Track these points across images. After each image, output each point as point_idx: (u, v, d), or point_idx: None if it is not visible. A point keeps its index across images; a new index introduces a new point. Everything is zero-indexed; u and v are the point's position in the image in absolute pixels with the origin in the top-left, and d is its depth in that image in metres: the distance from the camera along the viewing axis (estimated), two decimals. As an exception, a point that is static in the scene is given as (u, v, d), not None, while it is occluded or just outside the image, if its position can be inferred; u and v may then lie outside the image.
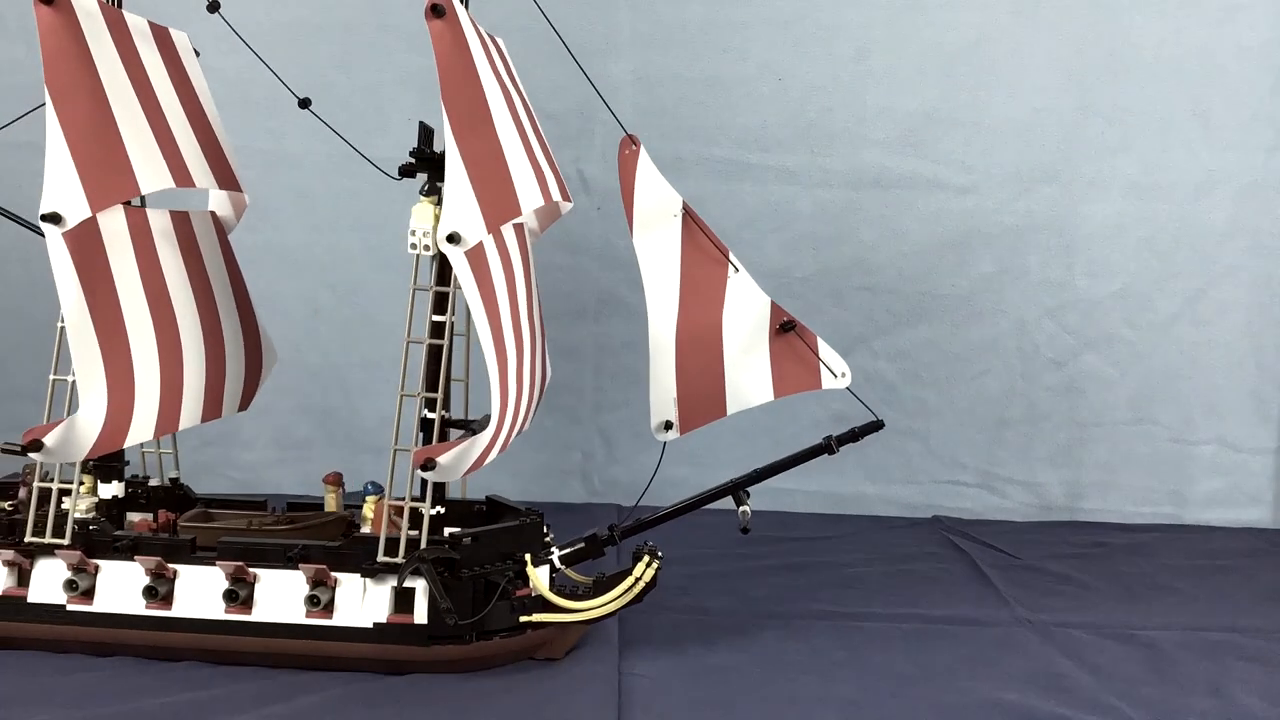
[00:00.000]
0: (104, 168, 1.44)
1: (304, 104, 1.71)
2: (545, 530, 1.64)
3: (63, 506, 1.59)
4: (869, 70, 2.44)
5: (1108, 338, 2.48)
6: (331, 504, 1.80)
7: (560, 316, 2.36)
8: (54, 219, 1.41)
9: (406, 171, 1.63)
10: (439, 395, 1.59)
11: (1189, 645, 1.73)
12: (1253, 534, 2.45)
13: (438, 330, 1.59)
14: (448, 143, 1.46)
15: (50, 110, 1.43)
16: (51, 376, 1.60)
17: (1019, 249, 2.48)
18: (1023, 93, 2.45)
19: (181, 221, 1.65)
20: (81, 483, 1.67)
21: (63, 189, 1.42)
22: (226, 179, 1.64)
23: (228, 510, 1.81)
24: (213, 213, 1.77)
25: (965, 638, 1.73)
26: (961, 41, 2.44)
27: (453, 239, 1.44)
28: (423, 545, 1.54)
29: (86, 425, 1.46)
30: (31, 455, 1.47)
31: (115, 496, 1.73)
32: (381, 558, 1.54)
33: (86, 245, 1.47)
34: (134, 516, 1.77)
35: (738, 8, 2.42)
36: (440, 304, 1.58)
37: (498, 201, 1.47)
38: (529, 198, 1.52)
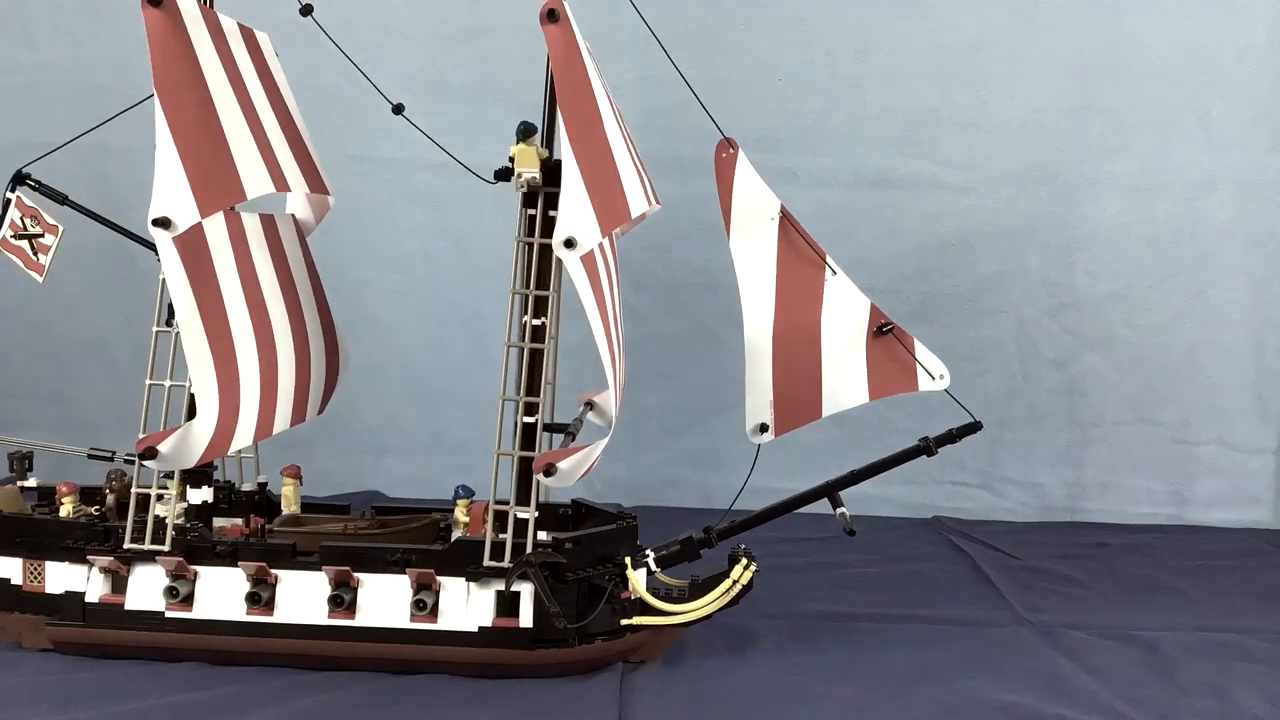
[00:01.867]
0: (211, 172, 1.44)
1: (397, 110, 1.69)
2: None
3: (158, 512, 1.56)
4: (869, 70, 2.44)
5: (1108, 338, 2.48)
6: (290, 496, 1.78)
7: (560, 316, 2.36)
8: (164, 224, 1.40)
9: (501, 175, 1.62)
10: (539, 399, 1.57)
11: (1189, 646, 1.73)
12: (1253, 534, 2.45)
13: (537, 334, 1.57)
14: (563, 147, 1.46)
15: (159, 114, 1.42)
16: (148, 381, 1.57)
17: (1019, 249, 2.48)
18: (1023, 93, 2.45)
19: (269, 225, 1.66)
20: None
21: (172, 194, 1.40)
22: (315, 182, 1.64)
23: (314, 515, 1.78)
24: (292, 215, 1.77)
25: (965, 638, 1.73)
26: (961, 41, 2.44)
27: (570, 244, 1.43)
28: (528, 549, 1.53)
29: (200, 432, 1.47)
30: (146, 463, 1.47)
31: (205, 502, 1.70)
32: (488, 562, 1.53)
33: (193, 250, 1.47)
34: (221, 522, 1.75)
35: (738, 8, 2.42)
36: (540, 307, 1.57)
37: (609, 206, 1.47)
38: (637, 202, 1.52)
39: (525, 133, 1.52)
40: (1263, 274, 2.48)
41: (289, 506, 1.78)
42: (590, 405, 1.80)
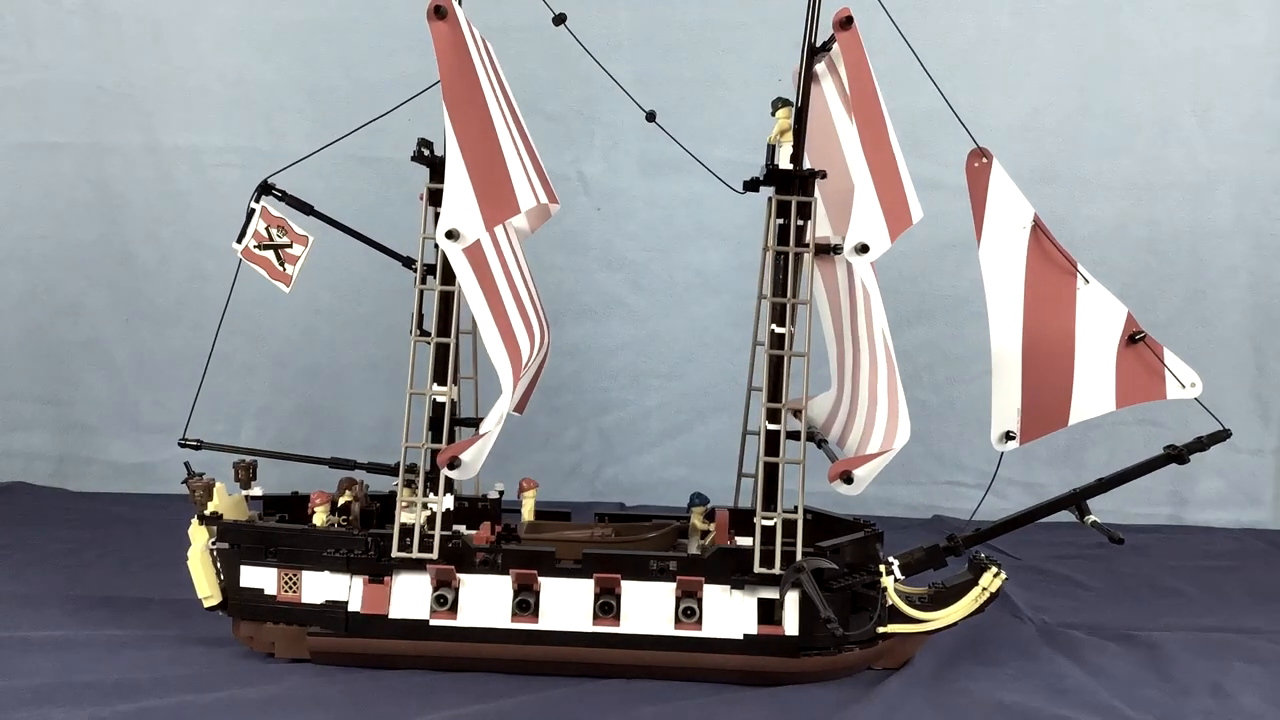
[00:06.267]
0: (493, 185, 1.46)
1: (650, 117, 1.69)
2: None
3: (404, 520, 1.55)
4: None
5: (1108, 338, 2.48)
6: (530, 508, 1.75)
7: (560, 316, 2.36)
8: (453, 236, 1.43)
9: (751, 186, 1.64)
10: (783, 405, 1.57)
11: (1189, 646, 1.73)
12: (1253, 534, 2.45)
13: (781, 342, 1.57)
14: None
15: (449, 128, 1.44)
16: (409, 391, 1.56)
17: (1020, 250, 2.47)
18: (1023, 93, 2.44)
19: (507, 230, 1.68)
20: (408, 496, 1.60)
21: (461, 206, 1.44)
22: (549, 190, 1.63)
23: (552, 523, 1.75)
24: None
25: (965, 638, 1.72)
26: (961, 41, 2.44)
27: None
28: (798, 556, 1.52)
29: (490, 441, 1.49)
30: (449, 473, 1.49)
31: (448, 510, 1.63)
32: (758, 568, 1.52)
33: (477, 260, 1.50)
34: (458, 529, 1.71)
35: (738, 8, 2.42)
36: (780, 315, 1.57)
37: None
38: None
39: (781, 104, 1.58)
40: (1263, 274, 2.48)
41: (528, 517, 1.75)
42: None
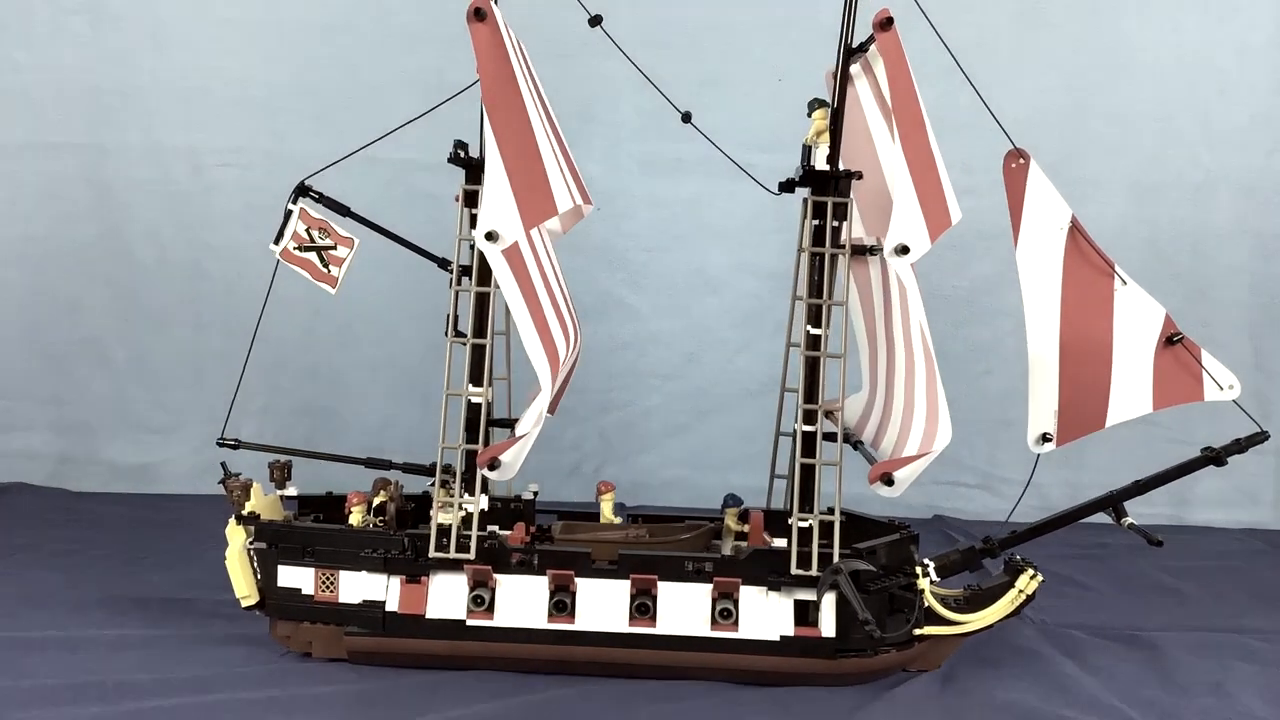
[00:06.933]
0: (531, 187, 1.46)
1: (685, 118, 1.69)
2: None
3: (441, 520, 1.55)
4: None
5: (1108, 338, 2.48)
6: (608, 513, 1.75)
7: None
8: (493, 237, 1.44)
9: (786, 187, 1.64)
10: (819, 406, 1.57)
11: (1190, 645, 1.73)
12: (1253, 534, 2.45)
13: (816, 343, 1.58)
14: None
15: (489, 130, 1.45)
16: (446, 392, 1.56)
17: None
18: (1023, 93, 2.44)
19: (540, 230, 1.69)
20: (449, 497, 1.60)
21: (500, 208, 1.44)
22: (583, 192, 1.63)
23: (584, 523, 1.74)
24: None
25: (965, 638, 1.72)
26: (961, 41, 2.44)
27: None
28: (834, 559, 1.52)
29: (529, 442, 1.50)
30: (488, 474, 1.50)
31: (482, 510, 1.64)
32: (795, 570, 1.52)
33: (514, 261, 1.50)
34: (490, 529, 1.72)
35: (738, 8, 2.42)
36: (822, 316, 1.58)
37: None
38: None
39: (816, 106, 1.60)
40: (1263, 274, 2.47)
41: (608, 518, 1.74)
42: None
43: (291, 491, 1.68)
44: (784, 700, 1.50)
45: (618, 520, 1.73)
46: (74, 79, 2.45)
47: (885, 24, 1.53)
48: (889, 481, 1.48)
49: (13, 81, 2.47)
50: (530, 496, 1.79)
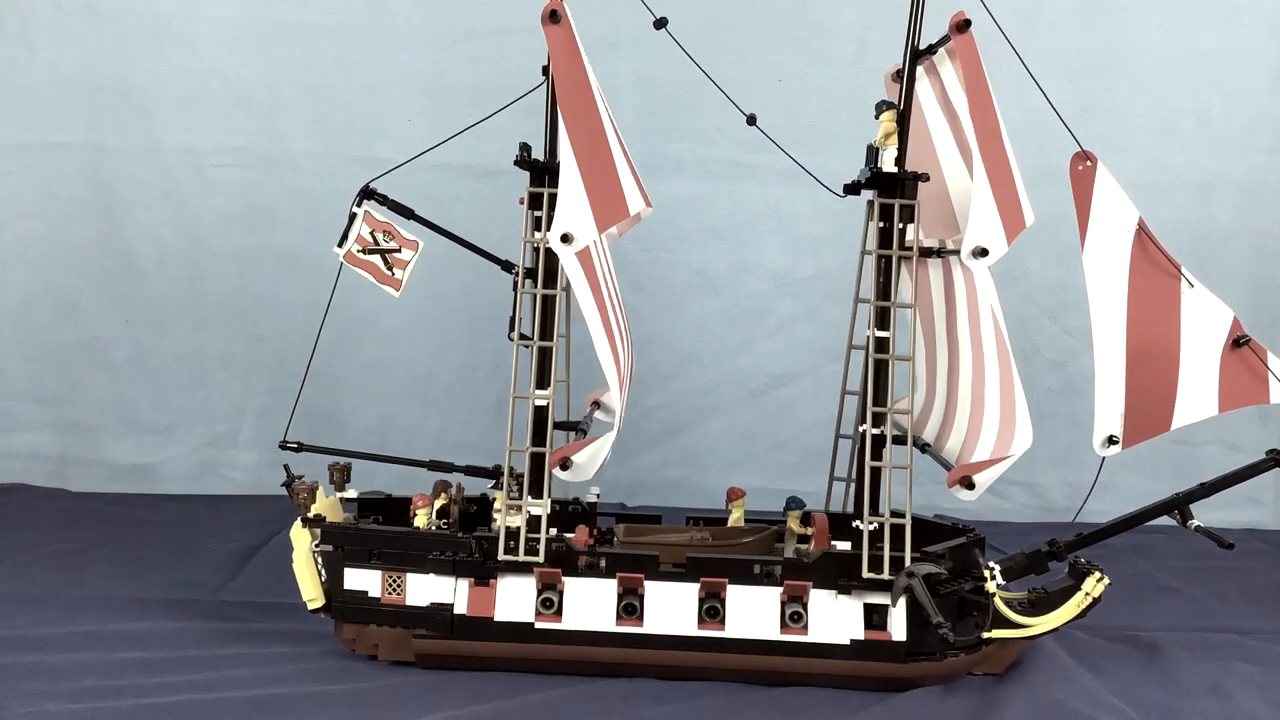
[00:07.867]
0: (604, 189, 1.47)
1: (750, 120, 1.69)
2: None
3: (508, 523, 1.55)
4: (869, 70, 2.43)
5: (1108, 338, 2.48)
6: (738, 519, 1.75)
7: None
8: (568, 239, 1.45)
9: (852, 189, 1.63)
10: (887, 409, 1.56)
11: (1190, 645, 1.73)
12: (1253, 534, 2.44)
13: (882, 346, 1.57)
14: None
15: (563, 132, 1.46)
16: (513, 395, 1.55)
17: (1019, 249, 2.42)
18: (1023, 93, 2.44)
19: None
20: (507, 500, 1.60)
21: (574, 211, 1.45)
22: (644, 195, 1.63)
23: (647, 526, 1.75)
24: None
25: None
26: (961, 41, 2.44)
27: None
28: (907, 562, 1.52)
29: (608, 443, 1.50)
30: (559, 474, 1.50)
31: (545, 514, 1.62)
32: (867, 573, 1.52)
33: (585, 263, 1.51)
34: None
35: (738, 8, 2.42)
36: (886, 319, 1.58)
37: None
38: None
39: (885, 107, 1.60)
40: (1263, 274, 2.47)
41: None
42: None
43: (351, 494, 1.68)
44: (784, 700, 1.50)
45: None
46: (74, 79, 2.45)
47: (962, 26, 1.54)
48: (969, 485, 1.48)
49: (12, 81, 2.46)
50: (593, 499, 1.78)
